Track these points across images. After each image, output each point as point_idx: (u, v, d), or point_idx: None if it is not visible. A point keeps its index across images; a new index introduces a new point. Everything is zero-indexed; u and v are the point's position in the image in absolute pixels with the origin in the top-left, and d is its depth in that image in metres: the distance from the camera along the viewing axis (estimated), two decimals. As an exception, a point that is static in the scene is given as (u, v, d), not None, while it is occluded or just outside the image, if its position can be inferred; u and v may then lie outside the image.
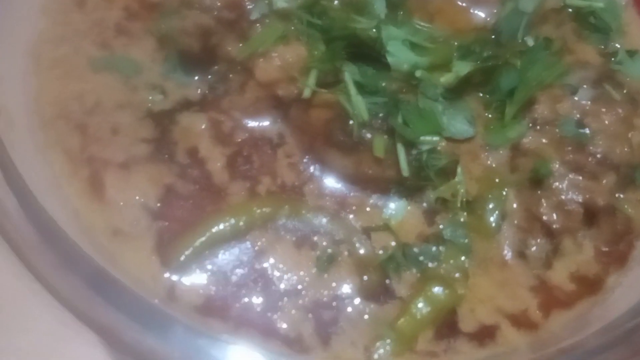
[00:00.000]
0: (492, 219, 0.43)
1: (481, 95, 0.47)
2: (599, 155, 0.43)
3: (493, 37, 0.49)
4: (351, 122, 0.43)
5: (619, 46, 0.51)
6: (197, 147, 0.44)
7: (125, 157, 0.43)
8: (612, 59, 0.50)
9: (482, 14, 0.51)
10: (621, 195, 0.44)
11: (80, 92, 0.45)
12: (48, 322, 0.41)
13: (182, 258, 0.39)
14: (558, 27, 0.51)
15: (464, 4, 0.51)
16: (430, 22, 0.49)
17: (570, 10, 0.52)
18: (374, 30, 0.45)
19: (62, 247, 0.38)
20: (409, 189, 0.43)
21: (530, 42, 0.49)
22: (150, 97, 0.45)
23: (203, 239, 0.40)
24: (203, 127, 0.44)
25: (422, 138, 0.42)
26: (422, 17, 0.49)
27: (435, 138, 0.43)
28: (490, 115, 0.46)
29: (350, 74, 0.43)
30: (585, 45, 0.51)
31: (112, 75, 0.46)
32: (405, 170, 0.42)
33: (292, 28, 0.45)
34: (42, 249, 0.37)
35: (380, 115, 0.43)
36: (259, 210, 0.41)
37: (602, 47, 0.51)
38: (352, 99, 0.43)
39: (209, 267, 0.40)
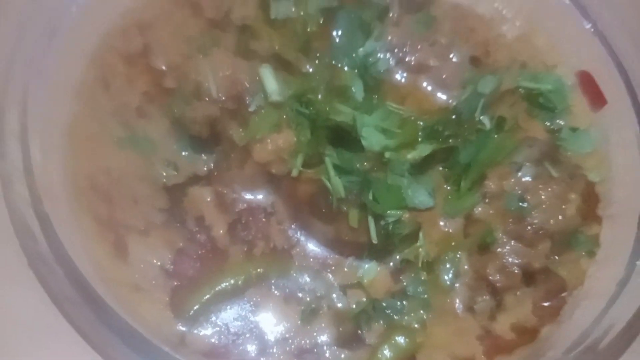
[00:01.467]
0: (447, 277, 0.50)
1: (441, 169, 0.54)
2: (535, 226, 0.51)
3: (454, 117, 0.57)
4: (331, 197, 0.51)
5: (563, 123, 0.58)
6: (204, 216, 0.51)
7: (144, 223, 0.51)
8: (557, 135, 0.57)
9: (445, 97, 0.58)
10: (556, 258, 0.51)
11: (107, 166, 0.53)
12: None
13: (192, 312, 0.47)
14: (511, 107, 0.58)
15: (429, 88, 0.58)
16: (401, 104, 0.57)
17: (522, 91, 0.59)
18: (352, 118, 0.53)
19: (91, 300, 0.45)
20: (379, 252, 0.50)
21: (486, 120, 0.56)
22: (165, 173, 0.53)
23: (208, 296, 0.48)
24: (209, 198, 0.52)
25: (389, 212, 0.50)
26: (394, 100, 0.57)
27: (400, 212, 0.50)
28: (448, 188, 0.53)
29: (330, 158, 0.51)
30: (534, 123, 0.58)
31: (133, 152, 0.53)
32: (374, 238, 0.50)
33: (284, 117, 0.53)
34: (76, 301, 0.45)
35: (355, 191, 0.51)
36: (254, 271, 0.49)
37: (549, 124, 0.58)
38: (332, 179, 0.50)
39: (214, 319, 0.48)
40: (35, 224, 0.43)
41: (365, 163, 0.52)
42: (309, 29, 0.58)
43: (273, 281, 0.49)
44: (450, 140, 0.54)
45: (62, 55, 0.53)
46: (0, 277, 0.46)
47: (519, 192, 0.51)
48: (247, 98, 0.53)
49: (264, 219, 0.51)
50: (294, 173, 0.50)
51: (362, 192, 0.50)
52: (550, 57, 0.60)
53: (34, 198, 0.45)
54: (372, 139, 0.52)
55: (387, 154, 0.52)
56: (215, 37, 0.57)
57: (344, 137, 0.53)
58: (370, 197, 0.50)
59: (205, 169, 0.52)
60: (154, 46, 0.57)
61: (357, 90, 0.55)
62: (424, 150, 0.52)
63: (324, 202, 0.50)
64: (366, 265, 0.50)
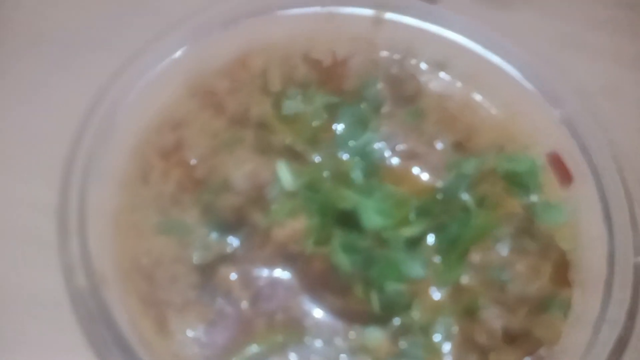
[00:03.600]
0: (439, 339, 0.57)
1: (431, 244, 0.61)
2: (515, 293, 0.57)
3: (442, 196, 0.64)
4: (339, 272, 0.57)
5: (537, 199, 0.65)
6: (231, 290, 0.58)
7: (181, 300, 0.57)
8: (532, 210, 0.64)
9: (433, 179, 0.65)
10: (534, 319, 0.57)
11: (148, 249, 0.60)
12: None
13: (224, 377, 0.54)
14: (491, 186, 0.65)
15: (419, 172, 0.65)
16: (395, 185, 0.64)
17: (500, 171, 0.66)
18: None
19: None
20: (382, 319, 0.57)
21: (468, 198, 0.63)
22: (197, 253, 0.60)
23: (236, 361, 0.54)
24: (234, 275, 0.58)
25: (389, 284, 0.57)
26: (390, 183, 0.64)
27: (398, 284, 0.57)
28: (438, 261, 0.60)
29: (337, 238, 0.58)
30: (511, 200, 0.65)
31: (169, 236, 0.61)
32: (377, 308, 0.56)
33: (298, 204, 0.60)
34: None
35: (359, 267, 0.57)
36: (274, 339, 0.55)
37: (525, 200, 0.65)
38: (339, 257, 0.57)
39: (243, 384, 0.54)
40: (95, 308, 0.50)
41: (367, 241, 0.58)
42: (314, 123, 0.65)
43: (290, 347, 0.55)
44: (438, 218, 0.61)
45: (110, 150, 0.61)
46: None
47: (500, 263, 0.58)
48: (266, 189, 0.60)
49: (282, 293, 0.57)
50: (308, 252, 0.57)
51: (366, 267, 0.57)
52: (524, 139, 0.67)
53: (92, 285, 0.51)
54: (372, 220, 0.59)
55: (385, 235, 0.58)
56: (236, 133, 0.64)
57: (347, 219, 0.59)
58: (373, 272, 0.56)
59: (231, 249, 0.59)
60: (184, 142, 0.64)
61: (357, 175, 0.62)
62: (417, 228, 0.59)
63: (333, 277, 0.56)
64: (371, 331, 0.56)
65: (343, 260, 0.56)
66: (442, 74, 0.70)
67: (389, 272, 0.56)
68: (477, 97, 0.70)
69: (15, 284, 0.62)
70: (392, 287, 0.56)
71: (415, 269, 0.58)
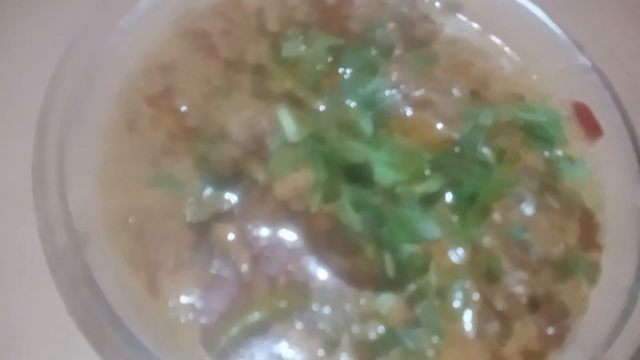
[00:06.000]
0: (457, 305, 0.51)
1: (448, 200, 0.55)
2: (538, 255, 0.52)
3: (457, 149, 0.58)
4: (347, 232, 0.51)
5: (560, 154, 0.59)
6: (229, 251, 0.52)
7: (173, 261, 0.51)
8: (555, 164, 0.58)
9: (448, 130, 0.59)
10: (560, 285, 0.52)
11: (136, 205, 0.53)
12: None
13: (222, 347, 0.48)
14: (510, 138, 0.59)
15: (433, 122, 0.59)
16: (407, 137, 0.58)
17: (520, 122, 0.60)
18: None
19: (124, 336, 0.46)
20: (394, 283, 0.51)
21: (487, 151, 0.57)
22: (190, 210, 0.53)
23: (237, 330, 0.48)
24: (232, 234, 0.52)
25: (403, 245, 0.51)
26: (401, 134, 0.58)
27: (413, 245, 0.51)
28: (454, 219, 0.54)
29: (346, 195, 0.52)
30: (532, 154, 0.59)
31: (160, 190, 0.54)
32: (390, 272, 0.50)
33: (302, 156, 0.53)
34: (114, 342, 0.45)
35: (370, 226, 0.51)
36: (277, 305, 0.50)
37: (547, 154, 0.59)
38: (349, 215, 0.51)
39: (242, 351, 0.48)
40: (76, 269, 0.44)
41: (378, 198, 0.52)
42: (317, 67, 0.58)
43: (295, 313, 0.49)
44: (455, 173, 0.55)
45: (91, 97, 0.53)
46: (38, 322, 0.47)
47: (522, 222, 0.52)
48: (266, 139, 0.53)
49: (284, 254, 0.51)
50: (312, 210, 0.51)
51: (377, 226, 0.51)
52: (547, 89, 0.61)
53: (73, 245, 0.45)
54: (383, 174, 0.53)
55: (398, 190, 0.52)
56: (231, 78, 0.57)
57: (357, 174, 0.53)
58: (385, 231, 0.50)
59: (227, 206, 0.52)
60: (174, 87, 0.57)
61: (366, 125, 0.56)
62: (432, 185, 0.53)
63: (341, 237, 0.51)
64: (382, 296, 0.50)
65: (353, 219, 0.50)
66: (458, 15, 0.63)
67: (402, 231, 0.51)
68: (496, 42, 0.63)
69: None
70: (408, 248, 0.50)
71: (430, 228, 0.52)
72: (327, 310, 0.50)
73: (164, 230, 0.52)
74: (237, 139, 0.53)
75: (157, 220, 0.52)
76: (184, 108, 0.56)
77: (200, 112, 0.56)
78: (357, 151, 0.53)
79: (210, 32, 0.60)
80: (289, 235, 0.52)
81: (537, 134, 0.58)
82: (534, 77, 0.61)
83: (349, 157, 0.52)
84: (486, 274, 0.51)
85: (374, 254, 0.50)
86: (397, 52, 0.61)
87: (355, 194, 0.51)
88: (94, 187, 0.53)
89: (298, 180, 0.52)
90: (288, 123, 0.53)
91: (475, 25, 0.63)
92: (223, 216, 0.53)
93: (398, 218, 0.51)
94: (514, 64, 0.62)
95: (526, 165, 0.57)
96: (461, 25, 0.63)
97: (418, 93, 0.59)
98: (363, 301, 0.50)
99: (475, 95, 0.60)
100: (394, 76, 0.60)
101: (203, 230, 0.53)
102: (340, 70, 0.59)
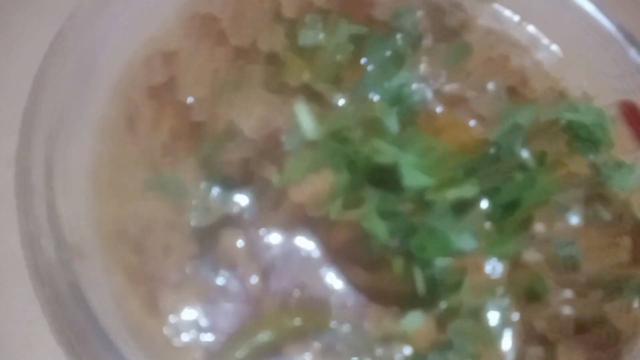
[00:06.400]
0: (494, 327, 0.45)
1: (483, 208, 0.49)
2: (587, 272, 0.46)
3: (493, 151, 0.52)
4: (371, 242, 0.46)
5: (607, 158, 0.53)
6: (237, 262, 0.46)
7: (176, 274, 0.46)
8: (601, 170, 0.53)
9: (482, 129, 0.54)
10: (610, 306, 0.46)
11: (135, 212, 0.48)
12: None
13: (226, 370, 0.42)
14: (551, 140, 0.54)
15: (466, 121, 0.54)
16: (437, 136, 0.52)
17: (562, 122, 0.54)
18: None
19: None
20: (424, 301, 0.46)
21: (526, 154, 0.52)
22: (195, 214, 0.48)
23: (244, 352, 0.43)
24: (241, 242, 0.47)
25: (439, 260, 0.45)
26: (429, 133, 0.52)
27: (447, 259, 0.46)
28: (490, 229, 0.48)
29: (371, 201, 0.46)
30: (576, 157, 0.53)
31: (161, 195, 0.49)
32: (421, 288, 0.45)
33: (321, 157, 0.48)
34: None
35: (397, 237, 0.46)
36: (290, 323, 0.44)
37: (592, 158, 0.53)
38: (375, 223, 0.45)
39: (250, 378, 0.43)
40: (64, 286, 0.38)
41: (406, 205, 0.47)
42: (338, 58, 0.52)
43: (310, 332, 0.44)
44: (491, 178, 0.49)
45: (84, 89, 0.49)
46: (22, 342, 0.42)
47: (568, 235, 0.46)
48: (281, 137, 0.48)
49: (299, 266, 0.46)
50: (332, 216, 0.45)
51: (405, 237, 0.45)
52: (591, 86, 0.55)
53: (62, 259, 0.39)
54: (411, 178, 0.47)
55: (428, 196, 0.46)
56: (242, 69, 0.52)
57: (383, 177, 0.48)
58: (415, 242, 0.45)
59: (236, 209, 0.47)
60: (178, 78, 0.52)
61: (391, 122, 0.50)
62: (468, 190, 0.47)
63: (363, 248, 0.45)
64: (410, 315, 0.45)
65: (380, 228, 0.45)
66: (493, 4, 0.58)
67: (433, 243, 0.45)
68: (535, 33, 0.58)
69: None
70: (441, 262, 0.44)
71: (465, 239, 0.46)
72: (346, 329, 0.45)
73: (165, 240, 0.47)
74: (248, 137, 0.48)
75: (158, 229, 0.48)
76: (190, 99, 0.50)
77: (207, 106, 0.51)
78: (383, 152, 0.47)
79: (219, 17, 0.54)
80: (305, 244, 0.47)
81: (581, 136, 0.52)
82: (577, 73, 0.55)
83: (374, 159, 0.46)
84: (527, 292, 0.46)
85: (401, 268, 0.44)
86: (425, 42, 0.55)
87: (381, 200, 0.46)
88: (88, 193, 0.47)
89: (316, 183, 0.46)
90: (306, 119, 0.47)
91: (512, 15, 0.57)
92: (231, 220, 0.48)
93: (429, 228, 0.46)
94: (554, 58, 0.57)
95: (570, 171, 0.51)
96: (496, 15, 0.58)
97: (449, 88, 0.54)
98: (387, 320, 0.45)
99: (512, 91, 0.54)
100: (423, 69, 0.54)
101: (209, 238, 0.47)
102: (363, 61, 0.53)
